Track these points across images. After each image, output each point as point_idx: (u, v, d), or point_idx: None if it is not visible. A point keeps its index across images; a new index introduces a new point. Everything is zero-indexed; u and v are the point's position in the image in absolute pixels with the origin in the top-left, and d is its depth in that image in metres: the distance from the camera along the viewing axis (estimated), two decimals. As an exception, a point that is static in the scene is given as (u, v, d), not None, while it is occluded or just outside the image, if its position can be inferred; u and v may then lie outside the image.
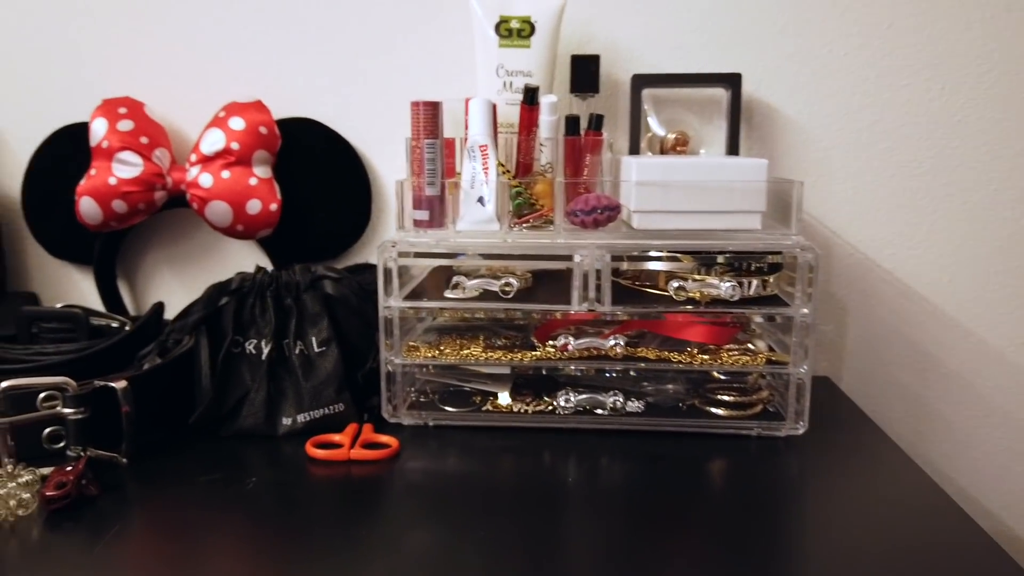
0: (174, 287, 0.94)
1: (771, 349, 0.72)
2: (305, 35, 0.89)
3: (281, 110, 0.89)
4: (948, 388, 0.92)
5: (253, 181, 0.84)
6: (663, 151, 0.86)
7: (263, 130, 0.84)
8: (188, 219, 0.91)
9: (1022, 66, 0.85)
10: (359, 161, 0.90)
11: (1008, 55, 0.85)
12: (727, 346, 0.70)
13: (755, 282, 0.70)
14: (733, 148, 0.83)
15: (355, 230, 0.91)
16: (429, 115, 0.71)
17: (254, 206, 0.84)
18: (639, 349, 0.71)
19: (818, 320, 0.91)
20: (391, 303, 0.70)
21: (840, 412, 0.79)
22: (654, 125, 0.87)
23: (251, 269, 0.75)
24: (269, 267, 0.90)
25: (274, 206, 0.85)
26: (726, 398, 0.72)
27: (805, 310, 0.68)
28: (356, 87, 0.90)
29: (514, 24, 0.79)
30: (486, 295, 0.70)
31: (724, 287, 0.68)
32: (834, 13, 0.86)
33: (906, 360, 0.92)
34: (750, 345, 0.71)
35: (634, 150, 0.84)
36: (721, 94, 0.85)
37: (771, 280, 0.71)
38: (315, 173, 0.89)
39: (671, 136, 0.85)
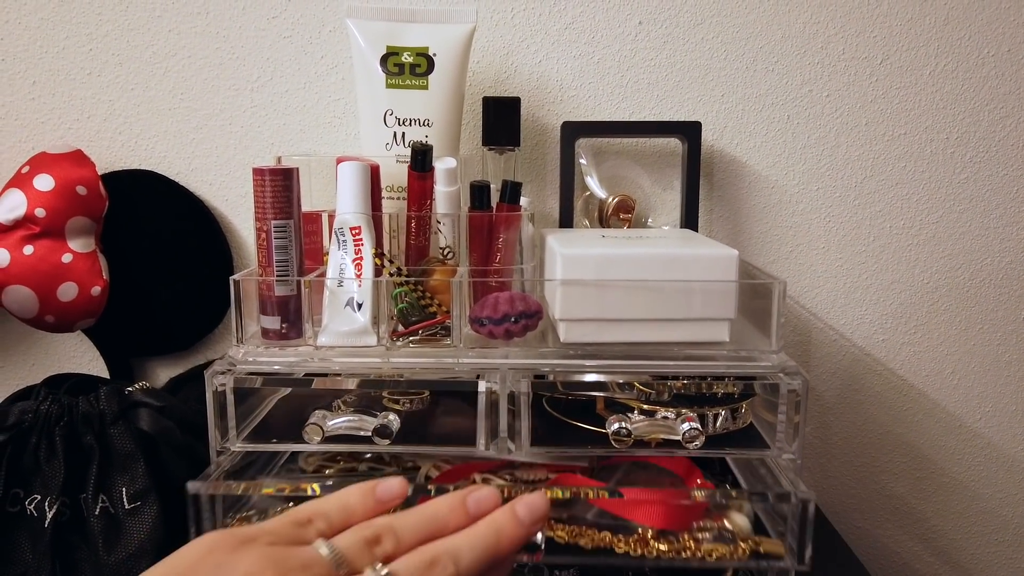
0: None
1: (756, 526, 0.53)
2: (144, 66, 0.69)
3: (112, 160, 0.69)
4: (949, 501, 0.75)
5: (67, 258, 0.64)
6: (602, 218, 0.68)
7: (81, 190, 0.64)
8: (-5, 299, 0.70)
9: (1041, 112, 0.69)
10: (216, 225, 0.70)
11: (1025, 98, 0.69)
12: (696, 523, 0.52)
13: (723, 413, 0.52)
14: (691, 216, 0.66)
15: (213, 314, 0.71)
16: (279, 186, 0.51)
17: (68, 291, 0.64)
18: (571, 529, 0.52)
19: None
20: (231, 446, 0.51)
21: (823, 556, 0.62)
22: (592, 185, 0.69)
23: (81, 364, 0.55)
24: (102, 365, 0.70)
25: (97, 289, 0.65)
26: None
27: (789, 455, 0.50)
28: (212, 131, 0.70)
29: (406, 58, 0.60)
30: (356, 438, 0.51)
31: (683, 429, 0.50)
32: (814, 46, 0.68)
33: (900, 467, 0.75)
34: (726, 523, 0.52)
35: (565, 217, 0.66)
36: (676, 145, 0.68)
37: (744, 407, 0.53)
38: (158, 242, 0.69)
39: (612, 200, 0.67)
